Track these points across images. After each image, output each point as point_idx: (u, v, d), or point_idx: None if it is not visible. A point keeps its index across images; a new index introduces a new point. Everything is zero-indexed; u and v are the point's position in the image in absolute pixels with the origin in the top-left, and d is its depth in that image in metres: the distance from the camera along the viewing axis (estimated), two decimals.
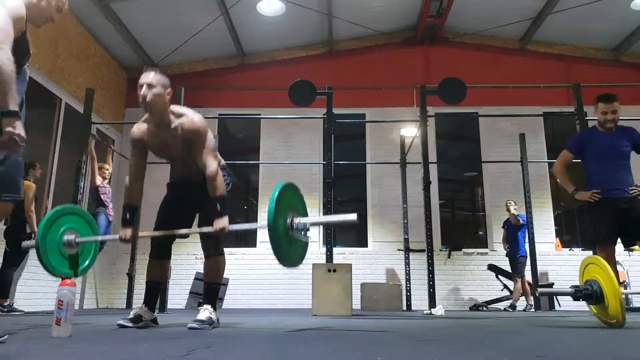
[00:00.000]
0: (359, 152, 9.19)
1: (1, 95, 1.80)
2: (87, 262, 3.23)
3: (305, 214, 2.70)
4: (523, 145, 7.58)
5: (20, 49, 1.93)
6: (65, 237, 2.98)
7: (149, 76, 2.92)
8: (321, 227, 8.42)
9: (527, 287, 7.16)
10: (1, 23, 1.84)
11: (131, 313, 2.88)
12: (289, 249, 2.57)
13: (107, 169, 6.81)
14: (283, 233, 2.49)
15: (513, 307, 7.10)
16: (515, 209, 7.26)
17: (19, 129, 1.85)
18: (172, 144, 2.90)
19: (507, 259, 7.38)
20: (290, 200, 2.60)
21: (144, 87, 2.86)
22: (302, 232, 2.59)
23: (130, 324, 2.78)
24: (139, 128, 2.98)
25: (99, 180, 6.44)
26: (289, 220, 2.53)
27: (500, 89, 8.85)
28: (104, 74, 8.60)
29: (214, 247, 2.99)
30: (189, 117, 2.88)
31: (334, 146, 6.02)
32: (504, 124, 8.97)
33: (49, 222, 2.85)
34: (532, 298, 7.12)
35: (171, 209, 3.02)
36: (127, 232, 2.88)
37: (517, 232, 7.27)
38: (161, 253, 3.03)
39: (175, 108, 2.95)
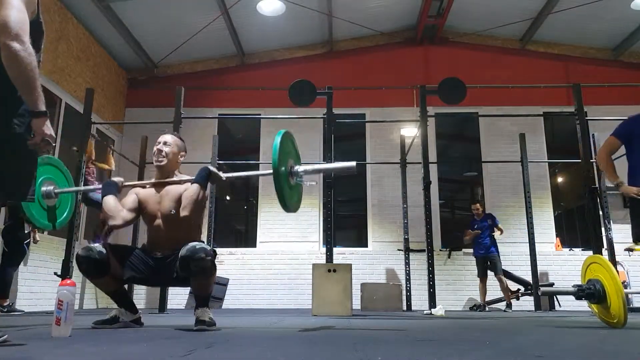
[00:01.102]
0: (359, 152, 9.19)
1: (28, 94, 1.75)
2: (64, 215, 3.22)
3: (299, 161, 2.83)
4: (523, 145, 7.57)
5: (35, 32, 1.85)
6: (44, 188, 2.94)
7: (167, 136, 3.07)
8: (321, 221, 8.45)
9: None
10: (16, 12, 1.73)
11: (109, 314, 2.88)
12: (290, 194, 2.70)
13: (104, 168, 6.76)
14: (285, 178, 2.62)
15: (509, 306, 7.14)
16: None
17: (49, 129, 1.80)
18: (165, 200, 2.91)
19: (491, 258, 7.33)
20: (288, 148, 2.71)
21: (162, 144, 3.01)
22: (301, 179, 2.76)
23: (104, 325, 2.77)
24: (139, 187, 3.06)
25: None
26: (289, 167, 2.67)
27: (500, 89, 8.85)
28: (104, 74, 8.61)
29: (210, 268, 2.68)
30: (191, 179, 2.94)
31: (334, 146, 6.02)
32: (504, 124, 8.97)
33: None
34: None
35: (140, 265, 2.87)
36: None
37: (489, 231, 7.33)
38: (94, 273, 2.79)
39: (183, 175, 3.06)
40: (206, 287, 2.79)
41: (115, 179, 3.06)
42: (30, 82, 1.74)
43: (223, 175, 2.93)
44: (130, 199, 2.95)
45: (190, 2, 7.89)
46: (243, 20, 8.49)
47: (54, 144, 1.86)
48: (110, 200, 2.87)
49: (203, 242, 2.82)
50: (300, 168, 2.75)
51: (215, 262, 2.72)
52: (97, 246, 2.78)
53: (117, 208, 2.86)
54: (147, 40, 8.67)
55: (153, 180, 3.04)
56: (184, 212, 2.77)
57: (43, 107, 1.79)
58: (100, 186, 2.98)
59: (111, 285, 2.89)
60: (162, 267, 2.82)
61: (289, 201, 2.68)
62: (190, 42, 8.54)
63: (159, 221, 2.91)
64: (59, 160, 3.28)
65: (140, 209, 2.95)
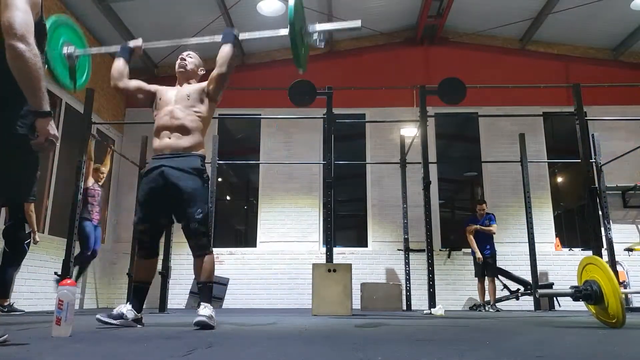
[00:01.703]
0: (359, 152, 9.19)
1: (33, 95, 1.76)
2: (83, 78, 3.40)
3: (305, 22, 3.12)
4: (523, 145, 7.57)
5: (39, 34, 1.86)
6: (65, 49, 3.06)
7: (190, 52, 3.46)
8: (321, 221, 8.45)
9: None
10: (21, 14, 1.75)
11: (114, 310, 2.90)
12: (303, 54, 3.05)
13: (103, 172, 6.76)
14: (300, 35, 2.95)
15: (494, 306, 7.13)
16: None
17: (53, 129, 1.82)
18: (181, 90, 3.18)
19: (490, 258, 7.29)
20: (299, 10, 2.98)
21: (186, 55, 3.37)
22: (311, 37, 3.10)
23: (107, 319, 2.79)
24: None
25: (90, 181, 6.39)
26: (302, 28, 3.00)
27: (500, 89, 8.85)
28: (104, 74, 8.57)
29: (205, 246, 2.95)
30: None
31: (334, 146, 6.02)
32: (503, 124, 8.97)
33: (49, 31, 2.80)
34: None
35: (151, 203, 3.01)
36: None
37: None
38: (150, 252, 3.06)
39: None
40: (203, 270, 2.93)
41: (130, 43, 3.34)
42: (35, 83, 1.75)
43: (240, 35, 3.22)
44: (146, 84, 3.28)
45: (190, 2, 7.89)
46: (243, 20, 8.49)
47: (57, 144, 1.87)
48: (118, 63, 3.23)
49: (203, 151, 3.09)
50: (311, 27, 3.08)
51: (210, 244, 2.99)
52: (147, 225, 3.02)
53: (124, 72, 3.22)
54: (147, 40, 8.65)
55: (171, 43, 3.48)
56: (220, 70, 3.08)
57: (47, 108, 1.80)
58: (118, 48, 3.29)
59: (151, 272, 3.09)
60: (171, 174, 2.94)
61: (303, 59, 3.06)
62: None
63: (171, 106, 3.10)
64: (76, 25, 3.37)
65: (155, 99, 3.20)
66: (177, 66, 3.30)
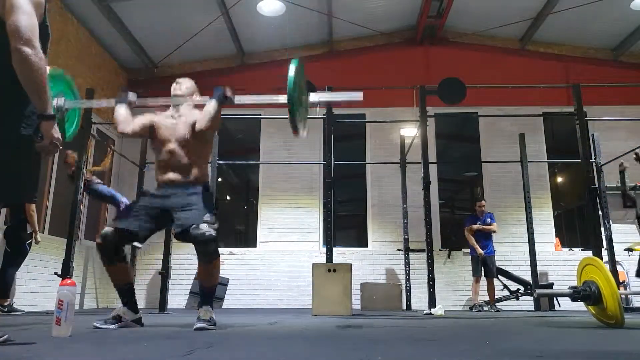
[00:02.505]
0: (359, 152, 9.19)
1: (38, 98, 1.78)
2: (72, 129, 3.37)
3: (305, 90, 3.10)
4: (523, 145, 7.57)
5: (42, 36, 1.88)
6: (55, 101, 3.00)
7: (184, 78, 3.39)
8: (321, 221, 8.45)
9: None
10: (27, 17, 1.77)
11: (111, 315, 2.89)
12: (300, 118, 3.01)
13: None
14: (298, 104, 2.90)
15: (493, 306, 7.11)
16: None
17: (57, 132, 1.84)
18: (179, 124, 3.11)
19: (490, 258, 7.25)
20: (299, 78, 2.94)
21: (180, 80, 3.32)
22: (309, 105, 3.10)
23: (105, 325, 2.78)
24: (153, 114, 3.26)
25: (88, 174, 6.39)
26: (301, 96, 2.95)
27: (500, 89, 8.85)
28: (104, 74, 8.61)
29: (214, 252, 2.82)
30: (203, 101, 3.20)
31: (334, 146, 6.02)
32: (503, 124, 8.97)
33: None
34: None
35: (142, 215, 2.95)
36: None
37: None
38: (110, 258, 2.91)
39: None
40: (209, 278, 2.88)
41: (130, 94, 3.26)
42: (40, 86, 1.77)
43: (235, 97, 3.18)
44: (142, 117, 3.17)
45: (190, 2, 7.89)
46: (243, 20, 8.49)
47: (61, 147, 1.89)
48: (121, 110, 3.15)
49: (207, 181, 3.08)
50: (311, 97, 3.06)
51: (219, 251, 2.87)
52: (108, 229, 2.92)
53: (129, 118, 3.12)
54: (147, 40, 8.67)
55: (165, 101, 3.24)
56: (200, 125, 3.00)
57: (52, 111, 1.83)
58: (112, 100, 3.23)
59: (124, 275, 3.00)
60: (166, 206, 2.92)
61: (300, 124, 3.02)
62: (191, 42, 8.54)
63: (171, 145, 3.06)
64: (67, 76, 3.33)
65: (153, 132, 3.14)
66: (171, 90, 3.27)
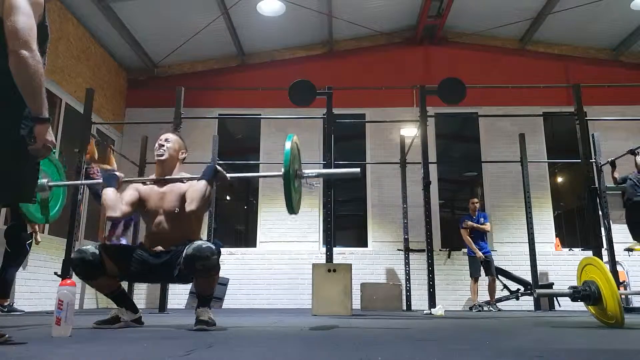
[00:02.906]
0: (359, 152, 9.19)
1: (33, 101, 1.77)
2: (56, 208, 3.30)
3: (300, 164, 3.02)
4: (523, 145, 7.57)
5: (41, 36, 1.87)
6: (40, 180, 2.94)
7: (169, 134, 3.15)
8: (321, 221, 8.45)
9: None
10: (25, 18, 1.75)
11: (110, 314, 2.88)
12: (295, 196, 2.88)
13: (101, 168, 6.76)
14: (293, 182, 2.78)
15: (494, 305, 7.11)
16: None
17: (50, 135, 1.83)
18: (168, 195, 2.93)
19: (488, 258, 7.24)
20: (295, 152, 2.86)
21: (163, 140, 3.07)
22: (305, 182, 2.98)
23: (105, 326, 2.77)
24: (140, 184, 3.09)
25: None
26: (295, 171, 2.84)
27: (500, 89, 8.85)
28: (104, 74, 8.61)
29: (215, 266, 2.70)
30: (192, 179, 2.97)
31: (334, 146, 6.02)
32: (504, 124, 8.97)
33: None
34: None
35: (134, 273, 2.86)
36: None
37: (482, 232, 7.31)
38: (92, 275, 2.81)
39: (184, 173, 3.08)
40: (209, 287, 2.81)
41: (116, 172, 3.10)
42: (36, 89, 1.76)
43: (227, 175, 2.99)
44: (129, 193, 2.97)
45: (190, 2, 7.89)
46: (243, 20, 8.49)
47: (54, 150, 1.88)
48: (109, 193, 2.89)
49: (208, 241, 2.83)
50: (306, 172, 2.92)
51: (219, 263, 2.74)
52: (90, 248, 2.79)
53: (117, 201, 2.88)
54: (147, 40, 8.67)
55: (154, 177, 3.06)
56: (190, 207, 2.79)
57: (47, 114, 1.82)
58: (99, 180, 3.12)
59: (108, 286, 2.90)
60: (163, 263, 2.81)
61: (295, 203, 2.84)
62: (190, 42, 8.54)
63: (161, 217, 2.91)
64: (52, 154, 3.29)
65: (141, 204, 2.96)
66: (155, 154, 3.04)
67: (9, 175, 1.81)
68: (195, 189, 2.83)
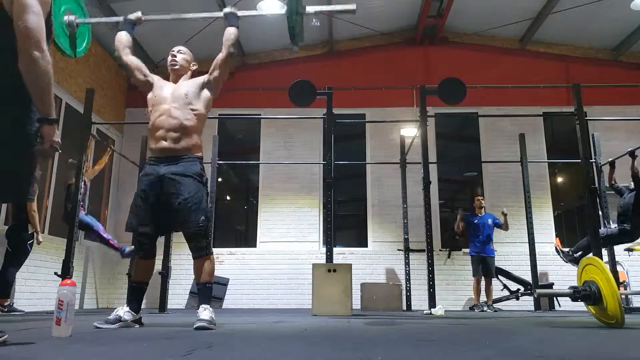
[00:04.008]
0: (359, 152, 9.19)
1: (41, 101, 1.78)
2: (83, 45, 3.50)
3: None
4: (523, 145, 7.57)
5: (46, 33, 1.86)
6: (66, 17, 3.16)
7: (180, 46, 3.43)
8: (321, 221, 8.45)
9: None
10: (36, 18, 1.74)
11: (112, 315, 2.89)
12: (299, 29, 3.19)
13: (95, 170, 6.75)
14: (297, 14, 3.10)
15: (491, 306, 7.09)
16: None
17: (57, 136, 1.84)
18: (180, 86, 3.16)
19: (488, 258, 7.23)
20: None
21: (176, 51, 3.32)
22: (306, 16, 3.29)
23: (105, 325, 2.78)
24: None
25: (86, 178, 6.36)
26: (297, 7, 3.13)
27: (500, 89, 8.85)
28: (104, 74, 8.61)
29: (205, 248, 2.94)
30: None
31: (334, 146, 6.02)
32: (504, 124, 8.97)
33: None
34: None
35: (149, 208, 2.94)
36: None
37: (488, 230, 7.29)
38: (148, 252, 3.02)
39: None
40: (206, 272, 2.92)
41: (134, 15, 3.39)
42: (45, 90, 1.77)
43: (239, 13, 3.35)
44: (147, 70, 3.23)
45: (190, 3, 7.88)
46: (243, 20, 8.47)
47: (60, 151, 1.89)
48: (122, 35, 3.26)
49: (200, 153, 3.05)
50: (307, 9, 3.23)
51: (211, 246, 3.00)
52: (149, 227, 2.96)
53: (126, 46, 3.23)
54: (147, 40, 8.67)
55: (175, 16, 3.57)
56: (227, 51, 3.16)
57: (54, 115, 1.82)
58: (120, 19, 3.35)
59: (150, 272, 3.07)
60: (172, 177, 2.90)
61: (298, 35, 3.21)
62: (190, 42, 8.53)
63: (167, 105, 3.05)
64: None
65: (149, 87, 3.18)
66: (168, 63, 3.27)
67: (11, 176, 1.80)
68: (227, 34, 3.20)
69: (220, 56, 3.16)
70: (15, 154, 1.80)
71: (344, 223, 10.40)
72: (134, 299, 2.98)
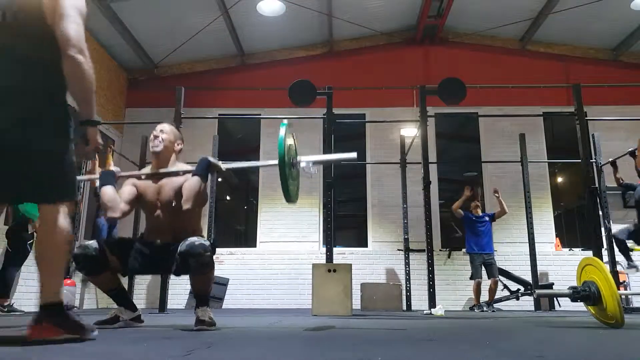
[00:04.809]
0: (359, 152, 9.13)
1: (86, 104, 1.89)
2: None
3: (297, 152, 2.91)
4: (523, 145, 7.57)
5: None
6: None
7: (164, 124, 3.07)
8: (321, 221, 8.45)
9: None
10: (77, 26, 1.85)
11: (109, 314, 2.87)
12: (293, 185, 2.82)
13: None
14: (289, 170, 2.70)
15: (491, 305, 7.05)
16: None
17: (99, 137, 1.96)
18: (164, 188, 2.89)
19: (487, 256, 7.14)
20: (291, 140, 2.78)
21: (158, 131, 3.00)
22: (302, 170, 2.86)
23: (105, 326, 2.76)
24: (135, 178, 3.03)
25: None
26: (292, 159, 2.76)
27: (500, 89, 8.85)
28: (104, 74, 8.61)
29: (209, 264, 2.70)
30: (188, 172, 2.89)
31: (334, 146, 6.02)
32: (504, 124, 8.97)
33: None
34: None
35: (136, 265, 2.84)
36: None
37: (489, 228, 7.22)
38: (94, 270, 2.82)
39: (180, 163, 3.04)
40: (205, 285, 2.81)
41: (113, 168, 3.12)
42: (90, 93, 1.90)
43: (223, 165, 2.92)
44: (127, 189, 2.91)
45: (190, 2, 7.89)
46: (243, 20, 8.50)
47: (100, 151, 2.04)
48: (108, 191, 2.83)
49: (203, 236, 2.83)
50: (303, 159, 2.83)
51: (214, 260, 2.74)
52: (92, 243, 2.78)
53: (116, 199, 2.83)
54: (147, 40, 8.67)
55: (149, 171, 3.01)
56: (186, 205, 2.75)
57: (97, 117, 1.96)
58: (97, 176, 3.03)
59: (110, 282, 2.89)
60: (163, 256, 2.79)
61: (292, 192, 2.80)
62: (190, 42, 8.54)
63: (158, 211, 2.89)
64: None
65: (139, 199, 2.93)
66: (150, 146, 3.01)
67: (59, 180, 1.86)
68: (187, 187, 2.77)
69: (184, 205, 2.76)
70: (61, 159, 1.86)
71: (344, 223, 10.40)
72: (121, 302, 2.93)
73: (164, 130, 3.00)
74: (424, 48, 9.57)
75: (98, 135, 1.93)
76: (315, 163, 2.98)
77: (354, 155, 2.91)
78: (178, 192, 2.83)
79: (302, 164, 2.81)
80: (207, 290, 2.86)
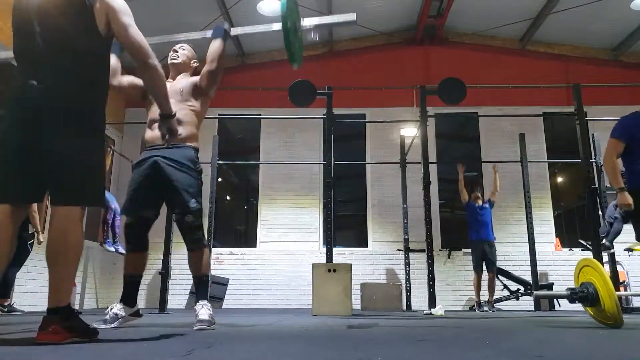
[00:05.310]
0: (359, 152, 9.19)
1: (165, 102, 2.20)
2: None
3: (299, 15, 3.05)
4: (523, 145, 7.57)
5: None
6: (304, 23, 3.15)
7: (182, 44, 3.41)
8: (321, 221, 8.45)
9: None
10: (140, 35, 2.09)
11: (107, 314, 2.87)
12: (295, 47, 2.99)
13: None
14: (293, 30, 2.86)
15: (492, 304, 6.99)
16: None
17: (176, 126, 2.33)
18: (175, 84, 3.12)
19: (488, 244, 6.96)
20: (292, 4, 2.94)
21: (178, 46, 3.35)
22: (304, 32, 3.07)
23: (104, 326, 2.76)
24: None
25: None
26: (294, 22, 2.92)
27: (500, 89, 8.85)
28: None
29: (200, 240, 2.92)
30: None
31: (334, 146, 6.02)
32: (504, 124, 8.97)
33: None
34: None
35: (139, 195, 2.93)
36: None
37: (490, 216, 7.09)
38: (136, 245, 2.97)
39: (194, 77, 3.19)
40: (201, 264, 2.92)
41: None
42: (165, 92, 2.21)
43: (232, 30, 3.20)
44: (138, 79, 3.08)
45: (190, 2, 7.89)
46: (243, 20, 8.48)
47: (175, 136, 2.35)
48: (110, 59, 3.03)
49: (196, 146, 3.00)
50: (304, 22, 3.02)
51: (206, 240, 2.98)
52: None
53: (116, 68, 3.09)
54: (147, 40, 8.66)
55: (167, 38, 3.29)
56: (211, 66, 3.02)
57: (172, 110, 2.25)
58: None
59: (142, 265, 3.01)
60: (166, 157, 2.87)
61: (297, 54, 3.01)
62: (190, 43, 8.53)
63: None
64: None
65: (145, 92, 3.09)
66: (169, 58, 3.23)
67: (89, 179, 1.98)
68: (212, 49, 3.04)
69: (204, 70, 3.06)
70: (96, 165, 1.99)
71: (344, 223, 10.39)
72: (127, 292, 2.94)
73: (184, 47, 3.32)
74: (424, 48, 9.57)
75: (175, 124, 2.26)
76: (316, 26, 3.14)
77: (353, 16, 3.00)
78: (189, 84, 3.06)
79: (304, 24, 3.01)
80: (202, 274, 2.95)
